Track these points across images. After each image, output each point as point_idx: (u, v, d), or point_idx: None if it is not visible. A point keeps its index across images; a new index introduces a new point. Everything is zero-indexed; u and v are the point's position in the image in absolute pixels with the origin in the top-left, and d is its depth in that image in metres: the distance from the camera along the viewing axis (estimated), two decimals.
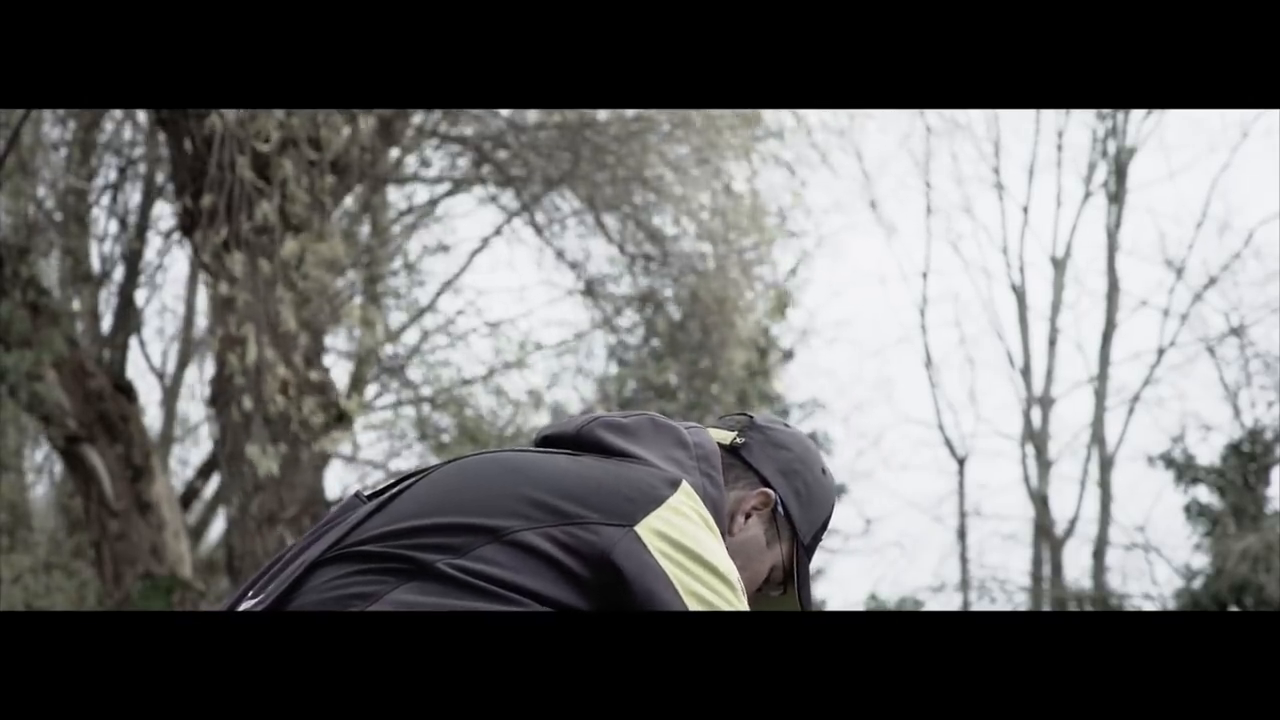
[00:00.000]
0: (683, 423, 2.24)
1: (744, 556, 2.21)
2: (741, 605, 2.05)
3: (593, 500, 2.01)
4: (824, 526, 2.31)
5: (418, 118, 10.41)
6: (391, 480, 2.15)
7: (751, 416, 2.30)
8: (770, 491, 2.23)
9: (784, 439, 2.29)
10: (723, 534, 2.13)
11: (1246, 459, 18.30)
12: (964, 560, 20.77)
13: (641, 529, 2.00)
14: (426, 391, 12.88)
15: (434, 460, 2.16)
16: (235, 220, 8.46)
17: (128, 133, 11.43)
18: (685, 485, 2.08)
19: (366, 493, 2.13)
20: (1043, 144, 20.96)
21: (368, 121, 8.75)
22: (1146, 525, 19.84)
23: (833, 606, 19.59)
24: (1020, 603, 20.07)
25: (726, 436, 2.26)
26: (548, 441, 2.19)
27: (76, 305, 11.16)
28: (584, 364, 15.11)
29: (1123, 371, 23.53)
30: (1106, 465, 19.98)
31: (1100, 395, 20.17)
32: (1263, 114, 18.96)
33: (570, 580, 1.98)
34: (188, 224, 9.05)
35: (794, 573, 2.26)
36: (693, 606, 1.99)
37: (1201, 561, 18.34)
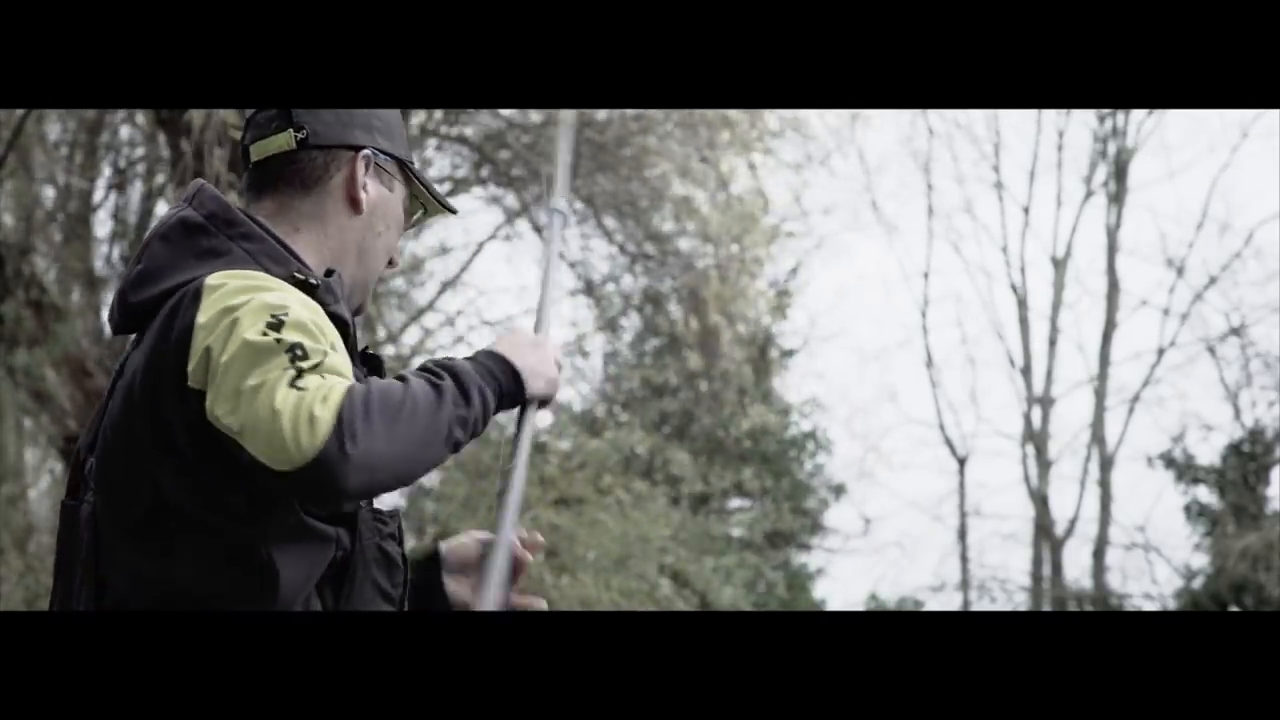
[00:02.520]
0: (188, 194, 2.19)
1: (384, 218, 2.29)
2: (306, 339, 1.98)
3: (165, 400, 2.02)
4: (406, 136, 2.38)
5: (419, 117, 10.40)
6: (75, 469, 2.18)
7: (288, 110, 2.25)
8: (364, 151, 2.27)
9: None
10: (322, 241, 2.21)
11: (1247, 459, 18.31)
12: (964, 560, 20.77)
13: (192, 381, 1.98)
14: None
15: None
16: None
17: (128, 133, 11.42)
18: (208, 282, 2.05)
19: (70, 500, 2.17)
20: (1043, 144, 20.96)
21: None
22: (1146, 525, 19.83)
23: (833, 606, 19.57)
24: (1020, 603, 20.06)
25: (285, 140, 2.23)
26: (121, 322, 2.17)
27: (76, 305, 11.14)
28: (584, 363, 15.12)
29: (1123, 371, 23.50)
30: (1106, 465, 19.98)
31: (1100, 395, 20.17)
32: (1263, 114, 18.97)
33: (233, 473, 1.99)
34: None
35: (419, 190, 2.37)
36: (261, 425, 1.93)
37: (1201, 561, 18.35)
